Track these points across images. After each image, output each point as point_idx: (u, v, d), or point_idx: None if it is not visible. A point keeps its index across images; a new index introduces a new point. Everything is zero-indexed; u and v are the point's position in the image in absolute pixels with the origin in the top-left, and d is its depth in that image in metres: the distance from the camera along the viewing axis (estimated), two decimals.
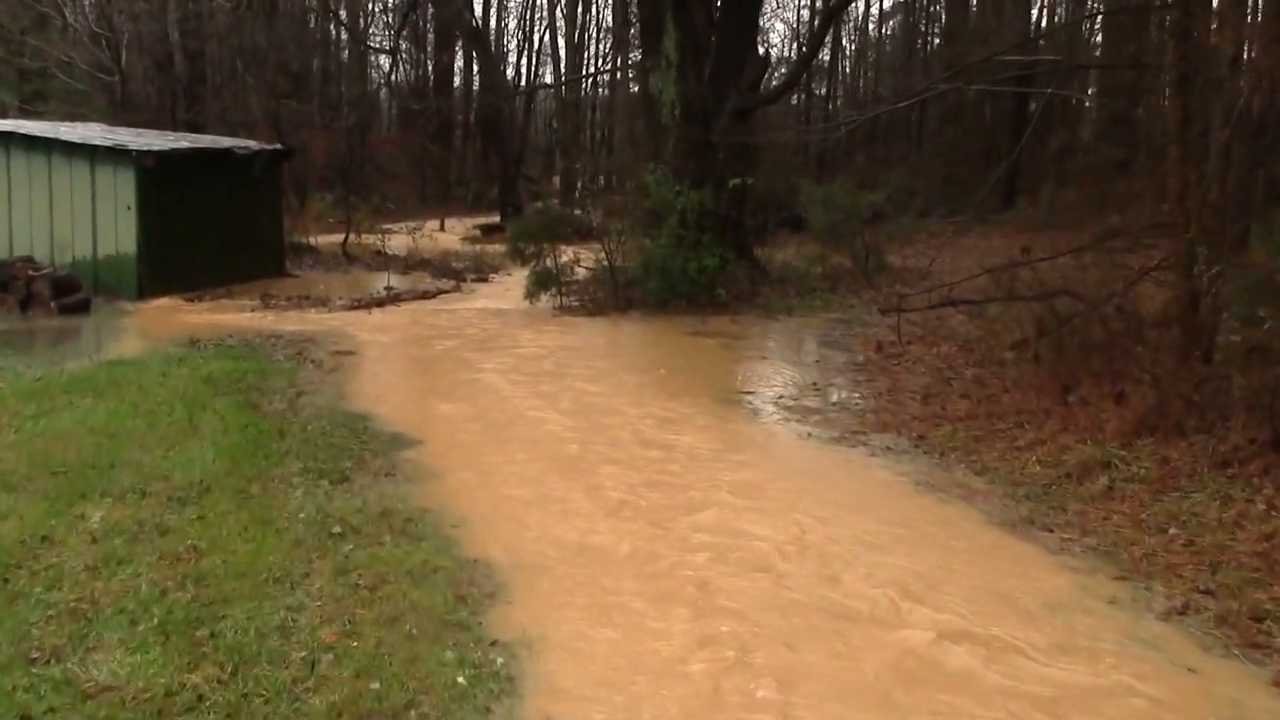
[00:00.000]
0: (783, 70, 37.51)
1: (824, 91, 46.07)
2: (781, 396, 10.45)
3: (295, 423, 8.97)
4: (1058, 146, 35.17)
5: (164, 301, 16.93)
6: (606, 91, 52.99)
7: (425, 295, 18.07)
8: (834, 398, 10.44)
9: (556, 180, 54.02)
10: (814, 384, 11.08)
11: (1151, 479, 7.31)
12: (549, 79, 51.70)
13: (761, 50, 21.99)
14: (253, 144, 20.89)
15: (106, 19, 26.81)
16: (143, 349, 12.53)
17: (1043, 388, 10.04)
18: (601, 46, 52.45)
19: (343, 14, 41.01)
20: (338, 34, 43.38)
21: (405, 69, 46.80)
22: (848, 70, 50.78)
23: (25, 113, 28.81)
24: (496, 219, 36.37)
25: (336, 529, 6.30)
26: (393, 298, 17.39)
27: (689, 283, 15.82)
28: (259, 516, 6.48)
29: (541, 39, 51.96)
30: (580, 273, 17.30)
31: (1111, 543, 6.34)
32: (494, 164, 41.75)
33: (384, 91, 47.89)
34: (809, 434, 9.00)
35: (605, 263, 16.56)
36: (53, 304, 15.38)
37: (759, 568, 5.95)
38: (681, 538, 6.43)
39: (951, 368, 11.71)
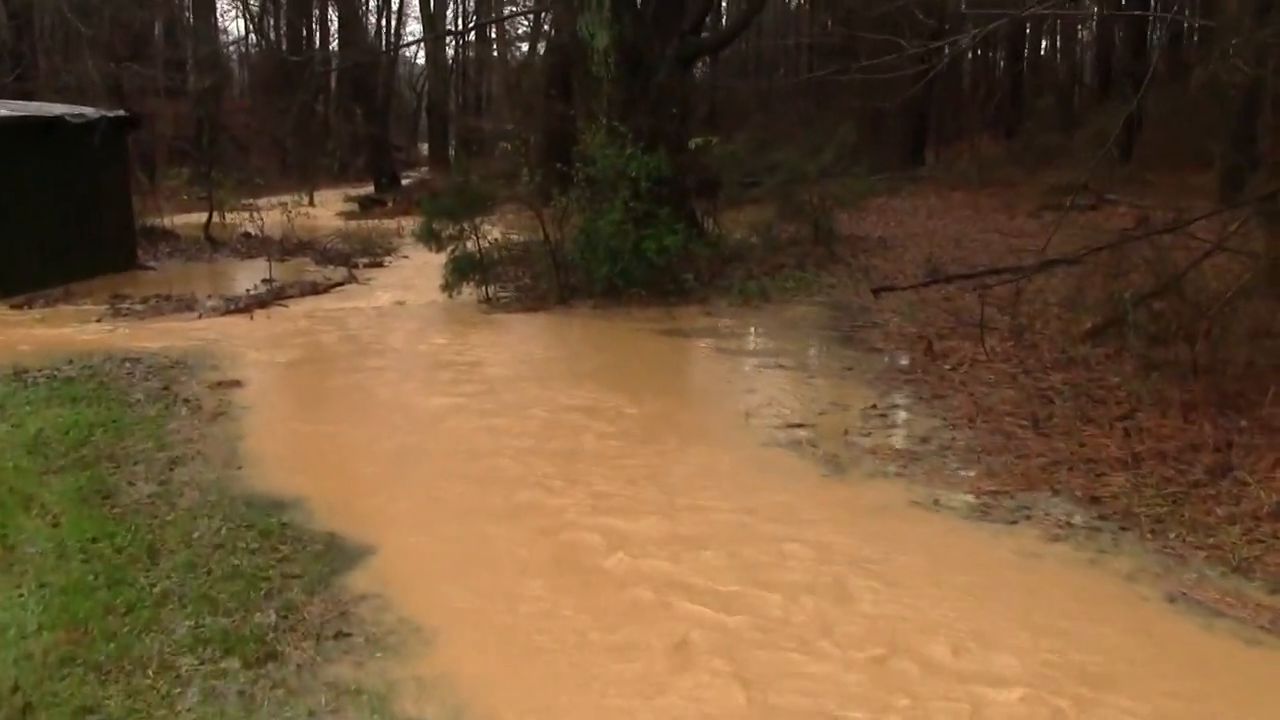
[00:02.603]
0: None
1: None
2: (846, 431, 7.67)
3: (172, 524, 5.85)
4: (980, 98, 33.21)
5: None
6: (474, 53, 49.25)
7: (315, 289, 14.78)
8: (917, 430, 7.70)
9: (424, 148, 50.46)
10: (873, 406, 8.34)
11: None
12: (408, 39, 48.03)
13: None
14: (89, 111, 17.19)
15: None
16: None
17: (1192, 405, 7.54)
18: (465, 4, 48.25)
19: None
20: None
21: (260, 23, 42.62)
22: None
23: None
24: (370, 190, 32.97)
25: None
26: (275, 295, 14.08)
27: (646, 266, 12.95)
28: None
29: None
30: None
31: None
32: (362, 130, 37.78)
33: (238, 49, 43.78)
34: (935, 501, 6.24)
35: (542, 244, 13.59)
36: None
37: None
38: None
39: (1027, 372, 9.12)
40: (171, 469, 6.86)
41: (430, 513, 6.20)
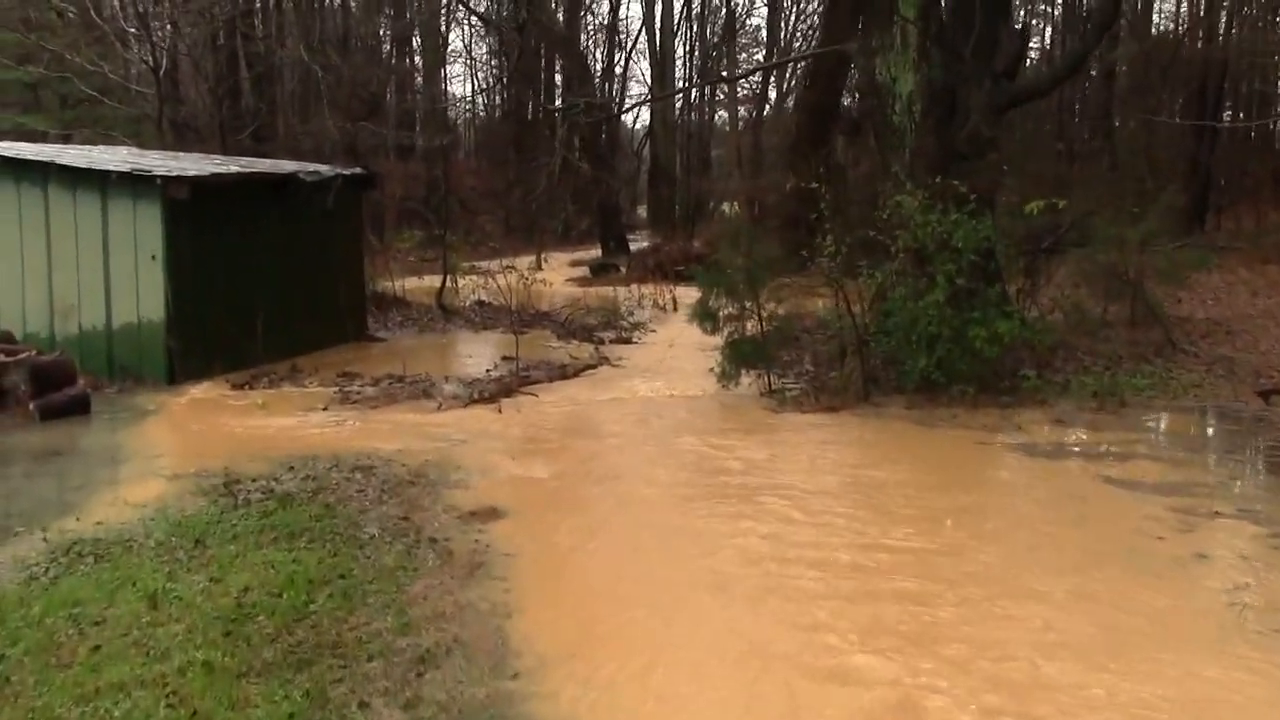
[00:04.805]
0: None
1: None
2: None
3: None
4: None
5: (202, 390, 11.87)
6: (694, 115, 47.46)
7: (564, 373, 12.76)
8: None
9: (642, 210, 49.05)
10: None
11: None
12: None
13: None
14: (324, 168, 15.84)
15: (142, 19, 21.87)
16: (143, 503, 7.36)
17: None
18: (689, 68, 46.45)
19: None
20: (408, 51, 38.75)
21: (490, 82, 42.23)
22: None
23: (65, 141, 24.24)
24: (597, 254, 31.36)
25: None
26: (521, 380, 12.10)
27: (970, 358, 10.42)
28: None
29: (626, 59, 46.62)
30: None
31: None
32: (593, 192, 36.21)
33: (465, 111, 43.42)
34: None
35: (838, 327, 11.25)
36: (31, 405, 10.30)
37: None
38: None
39: None
40: (420, 673, 4.71)
41: None
